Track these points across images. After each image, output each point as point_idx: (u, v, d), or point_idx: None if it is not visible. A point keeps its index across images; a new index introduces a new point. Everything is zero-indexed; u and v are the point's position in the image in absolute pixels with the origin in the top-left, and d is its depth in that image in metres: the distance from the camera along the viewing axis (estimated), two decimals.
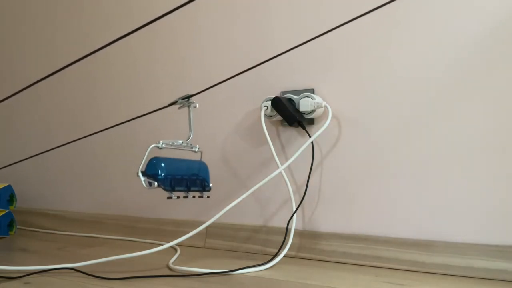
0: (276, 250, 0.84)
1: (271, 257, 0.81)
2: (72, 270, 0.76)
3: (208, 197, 0.74)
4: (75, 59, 0.58)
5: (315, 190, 0.87)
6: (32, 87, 0.62)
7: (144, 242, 1.02)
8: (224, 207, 0.80)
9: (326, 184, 0.86)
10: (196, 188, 0.73)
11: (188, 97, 0.73)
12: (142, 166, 0.65)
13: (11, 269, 0.75)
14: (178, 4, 0.54)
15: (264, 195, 0.92)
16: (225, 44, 0.98)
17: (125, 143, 1.12)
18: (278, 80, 0.91)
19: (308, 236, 0.86)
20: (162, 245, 0.81)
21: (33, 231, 1.20)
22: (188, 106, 0.74)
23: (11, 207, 1.11)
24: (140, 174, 0.64)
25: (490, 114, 0.72)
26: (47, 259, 0.85)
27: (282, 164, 0.84)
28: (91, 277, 0.72)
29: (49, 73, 0.60)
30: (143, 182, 0.64)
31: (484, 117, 0.73)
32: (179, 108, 0.74)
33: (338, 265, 0.80)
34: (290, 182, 0.87)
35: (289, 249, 0.83)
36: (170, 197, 0.66)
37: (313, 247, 0.85)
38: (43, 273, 0.74)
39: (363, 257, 0.80)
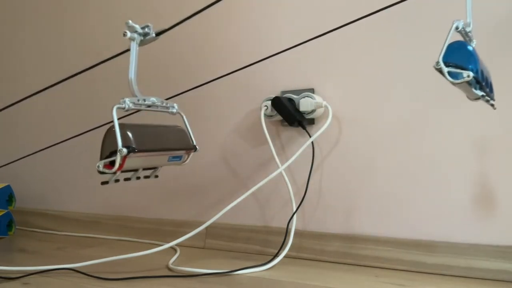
0: (276, 251, 0.84)
1: (271, 257, 0.81)
2: (71, 271, 0.76)
3: (493, 105, 0.59)
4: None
5: (316, 190, 0.87)
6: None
7: (144, 243, 1.02)
8: (224, 207, 0.80)
9: (326, 184, 0.86)
10: (484, 89, 0.57)
11: None
12: (442, 54, 0.51)
13: (10, 269, 0.75)
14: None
15: (264, 195, 0.92)
16: (224, 43, 0.98)
17: None
18: (278, 80, 0.91)
19: (308, 237, 0.86)
20: (161, 245, 0.81)
21: (32, 231, 1.20)
22: None
23: (10, 207, 1.11)
24: (441, 63, 0.51)
25: (492, 114, 0.72)
26: (46, 259, 0.85)
27: (282, 164, 0.84)
28: (91, 277, 0.72)
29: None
30: (446, 74, 0.50)
31: (486, 117, 0.73)
32: None
33: (339, 266, 0.80)
34: (290, 182, 0.87)
35: (289, 250, 0.83)
36: (477, 99, 0.54)
37: (313, 248, 0.85)
38: (42, 274, 0.74)
39: (363, 257, 0.80)
